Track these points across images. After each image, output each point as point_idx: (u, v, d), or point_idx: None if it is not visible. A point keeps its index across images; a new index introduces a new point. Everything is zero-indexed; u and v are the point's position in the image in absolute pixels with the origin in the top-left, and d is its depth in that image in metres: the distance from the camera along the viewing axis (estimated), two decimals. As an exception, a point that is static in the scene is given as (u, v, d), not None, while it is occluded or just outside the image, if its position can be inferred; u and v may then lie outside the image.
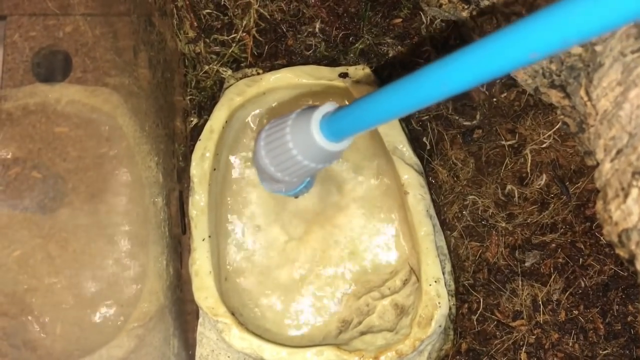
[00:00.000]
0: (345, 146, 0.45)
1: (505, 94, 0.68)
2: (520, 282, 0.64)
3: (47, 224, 0.58)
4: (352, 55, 0.71)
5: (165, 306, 0.64)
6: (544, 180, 0.66)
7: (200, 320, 0.64)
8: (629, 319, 0.62)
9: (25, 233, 0.57)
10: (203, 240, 0.61)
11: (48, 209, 0.59)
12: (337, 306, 0.65)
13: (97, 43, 0.61)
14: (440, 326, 0.58)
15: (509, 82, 0.67)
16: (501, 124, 0.68)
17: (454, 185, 0.68)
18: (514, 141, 0.67)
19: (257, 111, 0.68)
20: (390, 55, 0.71)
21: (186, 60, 0.74)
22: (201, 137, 0.64)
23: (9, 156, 0.57)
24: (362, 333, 0.62)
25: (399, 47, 0.71)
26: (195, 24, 0.72)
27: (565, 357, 0.62)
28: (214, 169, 0.64)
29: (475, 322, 0.65)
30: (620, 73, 0.39)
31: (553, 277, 0.63)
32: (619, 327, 0.62)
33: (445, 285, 0.59)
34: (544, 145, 0.66)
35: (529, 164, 0.66)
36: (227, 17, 0.73)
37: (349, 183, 0.67)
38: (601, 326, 0.62)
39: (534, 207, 0.65)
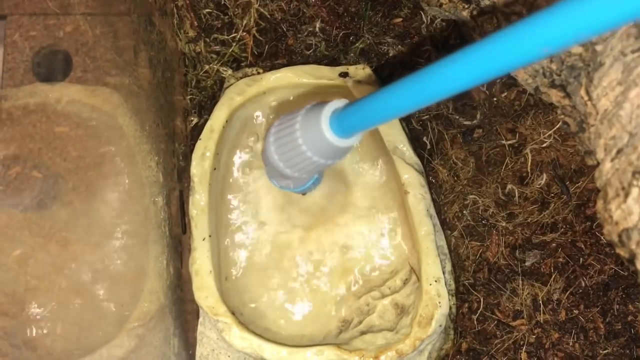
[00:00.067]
0: (355, 142, 0.45)
1: (505, 94, 0.68)
2: (520, 282, 0.64)
3: (48, 224, 0.58)
4: (352, 54, 0.71)
5: (166, 306, 0.64)
6: (544, 179, 0.66)
7: (201, 319, 0.64)
8: (630, 318, 0.62)
9: (26, 232, 0.57)
10: (203, 239, 0.61)
11: (48, 209, 0.59)
12: (337, 305, 0.65)
13: (97, 43, 0.61)
14: (440, 326, 0.58)
15: (509, 81, 0.67)
16: (501, 124, 0.68)
17: (454, 185, 0.68)
18: (514, 141, 0.67)
19: (257, 111, 0.68)
20: (390, 54, 0.71)
21: (186, 60, 0.74)
22: (201, 136, 0.64)
23: (9, 155, 0.57)
24: (363, 332, 0.63)
25: (399, 46, 0.71)
26: (196, 23, 0.72)
27: (565, 357, 0.62)
28: (215, 169, 0.64)
29: (475, 322, 0.65)
30: (621, 72, 0.39)
31: (553, 276, 0.63)
32: (620, 327, 0.62)
33: (446, 284, 0.59)
34: (544, 145, 0.66)
35: (529, 164, 0.66)
36: (227, 17, 0.73)
37: (351, 182, 0.67)
38: (601, 326, 0.62)
39: (535, 206, 0.65)
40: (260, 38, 0.72)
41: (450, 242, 0.67)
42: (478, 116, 0.69)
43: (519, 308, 0.64)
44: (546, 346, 0.62)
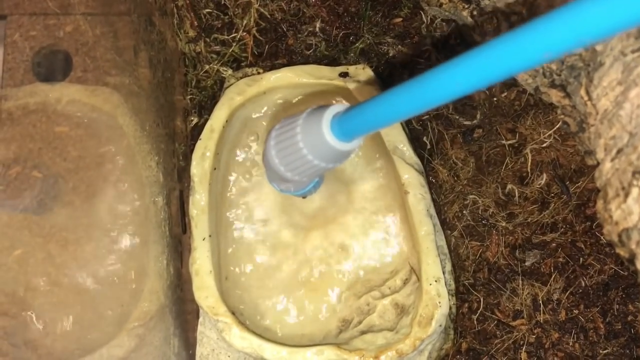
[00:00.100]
0: (356, 146, 0.45)
1: (505, 94, 0.68)
2: (520, 282, 0.64)
3: (48, 224, 0.58)
4: (352, 54, 0.71)
5: (166, 305, 0.64)
6: (544, 179, 0.66)
7: (201, 319, 0.64)
8: (629, 318, 0.62)
9: (26, 232, 0.57)
10: (203, 239, 0.61)
11: (48, 209, 0.59)
12: (337, 305, 0.65)
13: (97, 42, 0.61)
14: (440, 325, 0.58)
15: (509, 81, 0.67)
16: (501, 124, 0.68)
17: (454, 185, 0.68)
18: (514, 140, 0.67)
19: (258, 110, 0.68)
20: (390, 54, 0.71)
21: (186, 60, 0.74)
22: (202, 136, 0.64)
23: (9, 155, 0.57)
24: (363, 332, 0.63)
25: (400, 46, 0.71)
26: (196, 23, 0.72)
27: (565, 357, 0.62)
28: (215, 169, 0.64)
29: (475, 322, 0.65)
30: (621, 72, 0.39)
31: (553, 276, 0.63)
32: (620, 327, 0.62)
33: (446, 284, 0.59)
34: (544, 145, 0.66)
35: (529, 164, 0.66)
36: (227, 17, 0.73)
37: (351, 183, 0.67)
38: (601, 325, 0.62)
39: (535, 206, 0.65)
40: (261, 38, 0.72)
41: (450, 242, 0.67)
42: (478, 116, 0.69)
43: (519, 308, 0.64)
44: (546, 346, 0.62)
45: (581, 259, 0.64)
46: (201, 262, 0.61)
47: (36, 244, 0.57)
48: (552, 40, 0.26)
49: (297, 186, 0.55)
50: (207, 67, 0.72)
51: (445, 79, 0.33)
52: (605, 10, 0.24)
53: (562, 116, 0.57)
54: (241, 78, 0.68)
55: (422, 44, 0.71)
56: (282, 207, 0.68)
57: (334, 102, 0.67)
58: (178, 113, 0.73)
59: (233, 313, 0.59)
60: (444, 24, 0.70)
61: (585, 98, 0.43)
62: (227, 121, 0.65)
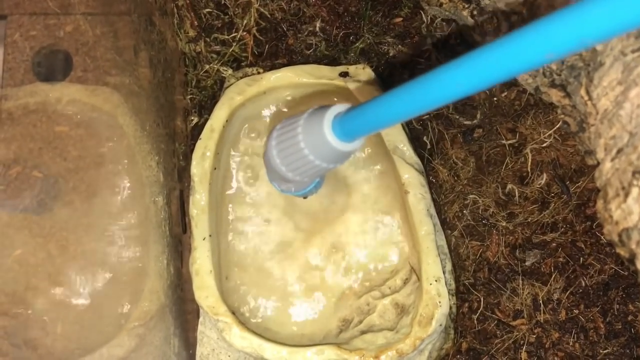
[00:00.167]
0: (358, 146, 0.45)
1: (505, 93, 0.68)
2: (520, 281, 0.64)
3: (48, 223, 0.58)
4: (352, 54, 0.71)
5: (166, 305, 0.64)
6: (544, 179, 0.66)
7: (201, 319, 0.64)
8: (630, 318, 0.62)
9: (26, 232, 0.57)
10: (204, 239, 0.61)
11: (49, 208, 0.59)
12: (337, 305, 0.65)
13: (97, 42, 0.61)
14: (440, 325, 0.58)
15: (509, 81, 0.67)
16: (502, 123, 0.68)
17: (454, 185, 0.68)
18: (514, 140, 0.67)
19: (258, 110, 0.69)
20: (390, 54, 0.71)
21: (187, 60, 0.74)
22: (202, 136, 0.64)
23: (9, 155, 0.57)
24: (363, 332, 0.63)
25: (400, 46, 0.71)
26: (196, 23, 0.72)
27: (565, 357, 0.62)
28: (215, 168, 0.64)
29: (475, 321, 0.65)
30: (621, 72, 0.39)
31: (553, 276, 0.63)
32: (620, 327, 0.62)
33: (446, 284, 0.59)
34: (544, 145, 0.66)
35: (529, 163, 0.66)
36: (227, 16, 0.73)
37: (352, 183, 0.67)
38: (602, 325, 0.62)
39: (535, 206, 0.65)
40: (261, 38, 0.72)
41: (451, 242, 0.67)
42: (478, 116, 0.69)
43: (519, 308, 0.64)
44: (546, 346, 0.62)
45: (581, 258, 0.64)
46: (201, 261, 0.61)
47: (36, 244, 0.57)
48: (554, 42, 0.26)
49: (298, 186, 0.55)
50: (207, 66, 0.72)
51: (447, 80, 0.33)
52: (607, 11, 0.24)
53: (562, 116, 0.57)
54: (241, 78, 0.68)
55: (422, 44, 0.71)
56: (283, 207, 0.68)
57: (334, 101, 0.67)
58: (178, 113, 0.73)
59: (233, 313, 0.59)
60: (444, 23, 0.70)
61: (586, 98, 0.44)
62: (227, 121, 0.65)
